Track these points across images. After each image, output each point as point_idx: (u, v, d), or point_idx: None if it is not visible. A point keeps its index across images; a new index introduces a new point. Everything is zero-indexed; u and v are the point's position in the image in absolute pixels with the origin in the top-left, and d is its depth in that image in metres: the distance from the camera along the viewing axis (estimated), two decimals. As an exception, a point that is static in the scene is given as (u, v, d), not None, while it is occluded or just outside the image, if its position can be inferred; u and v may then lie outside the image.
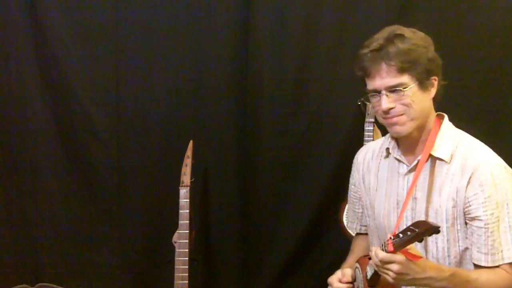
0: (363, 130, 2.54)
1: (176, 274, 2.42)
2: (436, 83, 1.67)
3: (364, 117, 2.55)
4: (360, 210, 1.94)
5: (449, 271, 1.58)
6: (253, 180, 2.79)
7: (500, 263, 1.62)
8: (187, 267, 2.41)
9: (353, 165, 1.95)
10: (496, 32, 2.61)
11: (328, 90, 2.74)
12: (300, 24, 2.69)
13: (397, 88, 1.61)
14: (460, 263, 1.68)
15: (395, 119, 1.65)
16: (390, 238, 1.50)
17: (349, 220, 2.02)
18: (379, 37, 1.64)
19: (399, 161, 1.76)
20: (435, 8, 2.61)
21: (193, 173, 2.49)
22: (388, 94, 1.62)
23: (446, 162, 1.67)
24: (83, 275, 2.81)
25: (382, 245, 1.52)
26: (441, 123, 1.72)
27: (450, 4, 2.61)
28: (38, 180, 2.77)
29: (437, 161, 1.68)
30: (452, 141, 1.69)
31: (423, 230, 1.43)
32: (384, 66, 1.61)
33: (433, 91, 1.67)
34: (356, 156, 1.95)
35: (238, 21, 2.69)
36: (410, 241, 1.46)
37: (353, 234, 2.05)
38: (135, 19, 2.70)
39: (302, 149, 2.78)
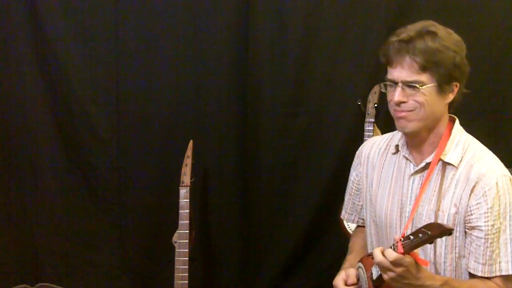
0: (363, 130, 2.54)
1: (176, 274, 2.42)
2: (456, 89, 1.64)
3: (364, 117, 2.55)
4: (361, 203, 1.93)
5: (440, 280, 1.57)
6: (253, 180, 2.79)
7: (497, 274, 1.60)
8: (187, 267, 2.41)
9: (356, 157, 1.92)
10: (496, 32, 2.61)
11: (328, 90, 2.74)
12: (300, 24, 2.69)
13: (414, 85, 1.59)
14: (455, 270, 1.67)
15: (403, 114, 1.63)
16: (400, 240, 1.48)
17: (347, 212, 1.98)
18: (411, 29, 1.61)
19: (407, 159, 1.74)
20: (435, 8, 2.61)
21: (193, 173, 2.49)
22: (404, 87, 1.60)
23: (454, 167, 1.65)
24: (83, 275, 2.82)
25: (392, 246, 1.50)
26: (452, 127, 1.70)
27: (450, 4, 2.62)
28: (38, 180, 2.77)
29: (444, 165, 1.67)
30: (461, 146, 1.68)
31: (436, 233, 1.41)
32: (407, 59, 1.58)
33: (450, 97, 1.64)
34: (360, 150, 1.92)
35: (238, 21, 2.69)
36: (422, 243, 1.44)
37: (348, 225, 2.01)
38: (135, 19, 2.70)
39: (302, 149, 2.78)
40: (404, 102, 1.61)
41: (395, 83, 1.62)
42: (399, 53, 1.59)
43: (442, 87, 1.60)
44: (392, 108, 1.66)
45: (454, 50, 1.60)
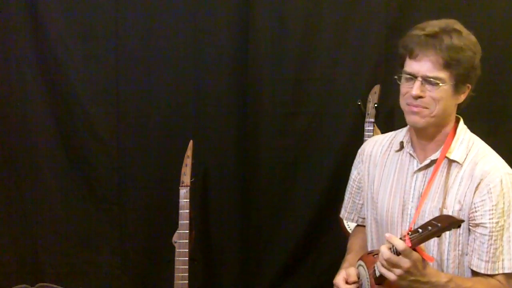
0: (363, 130, 2.54)
1: (176, 274, 2.42)
2: (468, 91, 1.66)
3: (364, 117, 2.55)
4: (361, 202, 1.93)
5: (445, 277, 1.58)
6: (253, 180, 2.79)
7: (500, 271, 1.61)
8: (187, 267, 2.41)
9: (358, 155, 1.93)
10: (496, 32, 2.61)
11: (328, 90, 2.74)
12: (300, 24, 2.69)
13: (434, 81, 1.59)
14: (457, 268, 1.68)
15: (417, 109, 1.63)
16: (408, 233, 1.47)
17: (347, 210, 1.99)
18: (436, 25, 1.61)
19: (411, 156, 1.74)
20: (435, 8, 2.61)
21: (193, 173, 2.49)
22: (423, 82, 1.60)
23: (459, 164, 1.66)
24: (83, 275, 2.81)
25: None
26: (456, 126, 1.71)
27: (450, 4, 2.62)
28: (38, 180, 2.77)
29: (450, 162, 1.67)
30: (466, 144, 1.69)
31: (446, 224, 1.40)
32: (432, 53, 1.58)
33: (462, 97, 1.66)
34: (362, 147, 1.93)
35: (238, 21, 2.69)
36: (431, 236, 1.44)
37: (348, 225, 2.01)
38: (135, 19, 2.70)
39: (302, 149, 2.78)
40: (421, 97, 1.61)
41: (415, 76, 1.61)
42: (425, 46, 1.59)
43: (458, 86, 1.62)
44: (405, 101, 1.65)
45: (474, 51, 1.61)
